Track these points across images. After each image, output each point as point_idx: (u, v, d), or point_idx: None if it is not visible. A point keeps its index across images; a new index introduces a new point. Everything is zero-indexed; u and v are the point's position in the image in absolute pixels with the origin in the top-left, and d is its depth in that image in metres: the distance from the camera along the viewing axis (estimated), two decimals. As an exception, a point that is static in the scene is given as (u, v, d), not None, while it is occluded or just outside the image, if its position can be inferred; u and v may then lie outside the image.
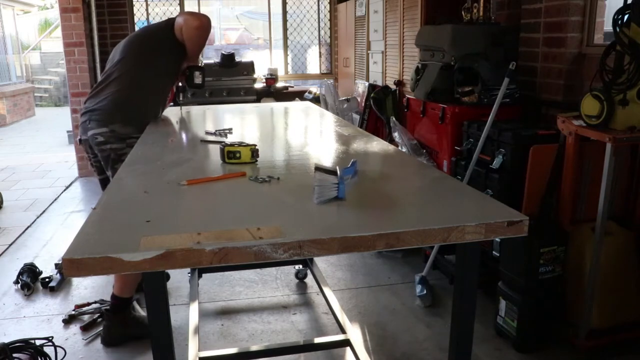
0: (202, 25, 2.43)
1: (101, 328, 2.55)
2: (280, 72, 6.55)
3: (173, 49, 2.49)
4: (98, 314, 2.66)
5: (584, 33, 2.76)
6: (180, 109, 2.95)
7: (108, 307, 2.52)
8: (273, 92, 5.81)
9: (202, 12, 6.61)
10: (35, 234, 3.96)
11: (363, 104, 4.82)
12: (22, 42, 13.24)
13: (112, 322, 2.46)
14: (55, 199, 4.87)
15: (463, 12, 3.37)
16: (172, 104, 2.93)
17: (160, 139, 2.21)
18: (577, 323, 2.28)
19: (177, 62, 2.57)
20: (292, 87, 6.16)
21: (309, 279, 3.04)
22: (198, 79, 2.60)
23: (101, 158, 2.40)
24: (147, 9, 6.14)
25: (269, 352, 2.21)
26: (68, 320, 2.63)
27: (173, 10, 6.48)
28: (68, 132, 7.27)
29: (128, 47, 2.52)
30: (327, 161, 1.74)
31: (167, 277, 3.02)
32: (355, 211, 1.21)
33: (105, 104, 2.38)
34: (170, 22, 2.51)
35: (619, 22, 2.11)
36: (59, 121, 9.68)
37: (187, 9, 6.47)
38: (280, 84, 5.99)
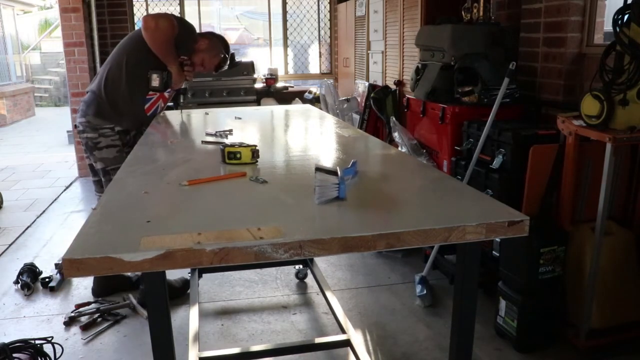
0: (150, 28, 2.45)
1: (101, 328, 2.57)
2: (280, 72, 6.55)
3: (140, 46, 2.52)
4: (98, 314, 2.66)
5: (584, 33, 2.76)
6: (181, 112, 2.95)
7: (108, 306, 2.55)
8: (273, 92, 5.82)
9: (202, 12, 6.63)
10: (35, 234, 3.96)
11: (363, 104, 4.82)
12: (22, 42, 13.23)
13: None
14: (55, 199, 4.87)
15: (463, 12, 3.37)
16: (171, 103, 2.92)
17: (160, 140, 2.22)
18: (577, 323, 2.29)
19: (146, 60, 2.54)
20: (292, 87, 6.16)
21: (309, 279, 3.04)
22: (155, 82, 2.56)
23: (83, 145, 2.64)
24: (147, 9, 6.14)
25: (269, 352, 2.20)
26: (68, 323, 2.63)
27: (173, 10, 6.47)
28: (68, 132, 7.26)
29: (117, 46, 2.68)
30: (328, 162, 1.74)
31: (187, 286, 2.90)
32: (355, 211, 1.21)
33: (87, 96, 2.61)
34: None
35: (619, 22, 2.11)
36: (59, 121, 9.68)
37: (187, 9, 6.47)
38: (280, 84, 5.99)
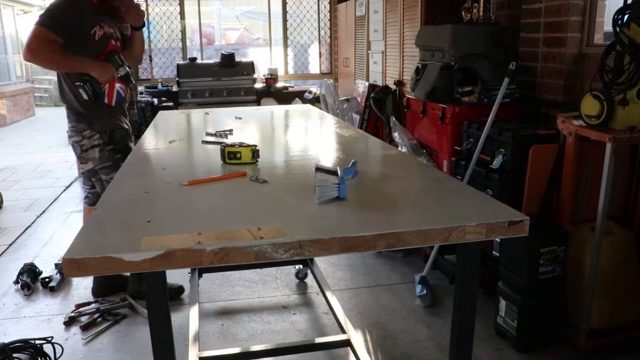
0: (33, 59, 2.37)
1: (101, 328, 2.57)
2: (280, 72, 6.55)
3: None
4: (98, 314, 2.66)
5: (584, 33, 2.76)
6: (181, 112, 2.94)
7: (108, 306, 2.54)
8: (273, 92, 5.82)
9: (202, 12, 6.62)
10: (35, 234, 3.96)
11: (363, 104, 4.82)
12: (22, 42, 13.21)
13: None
14: (55, 199, 4.87)
15: (463, 12, 3.37)
16: (171, 103, 2.92)
17: (160, 140, 2.21)
18: (577, 323, 2.29)
19: (71, 74, 2.50)
20: (292, 87, 6.16)
21: (309, 279, 3.04)
22: (84, 96, 2.42)
23: (72, 149, 2.69)
24: (147, 9, 6.14)
25: (269, 352, 2.20)
26: (68, 323, 2.63)
27: (173, 10, 6.48)
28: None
29: None
30: (328, 162, 1.74)
31: (182, 290, 2.91)
32: (355, 211, 1.21)
33: (67, 103, 2.62)
34: None
35: (619, 22, 2.11)
36: (59, 121, 9.66)
37: (187, 9, 6.47)
38: (280, 84, 5.99)
